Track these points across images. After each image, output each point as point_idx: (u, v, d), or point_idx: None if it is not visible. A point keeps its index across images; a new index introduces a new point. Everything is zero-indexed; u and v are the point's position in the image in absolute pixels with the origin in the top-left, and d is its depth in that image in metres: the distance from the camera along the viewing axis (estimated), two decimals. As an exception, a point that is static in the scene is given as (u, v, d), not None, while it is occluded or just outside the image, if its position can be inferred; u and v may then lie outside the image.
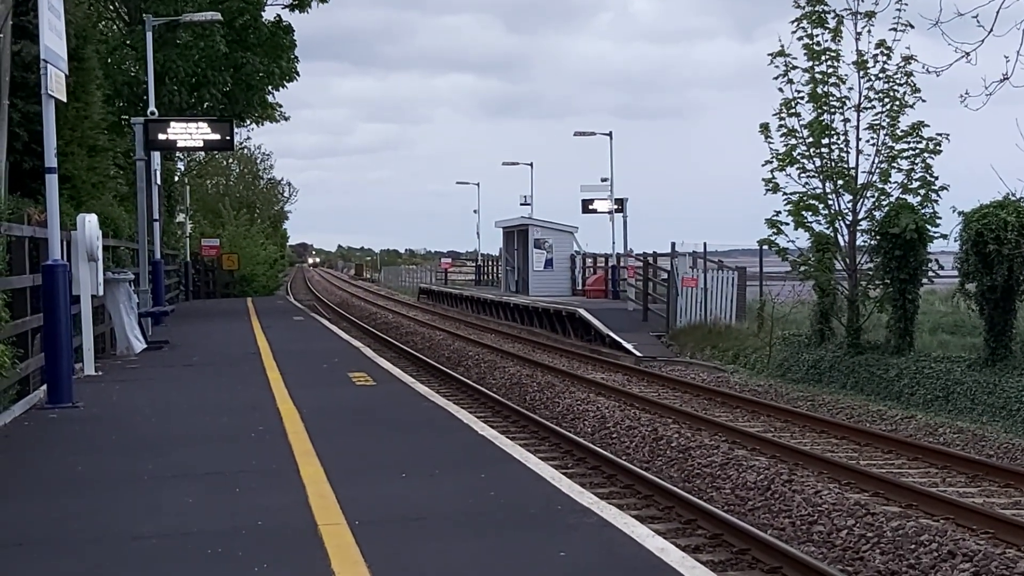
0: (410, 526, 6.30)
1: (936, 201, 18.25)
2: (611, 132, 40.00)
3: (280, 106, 40.79)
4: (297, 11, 35.07)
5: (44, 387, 11.61)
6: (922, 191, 18.34)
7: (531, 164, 55.31)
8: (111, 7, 34.53)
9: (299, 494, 7.04)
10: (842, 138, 19.03)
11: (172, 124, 21.63)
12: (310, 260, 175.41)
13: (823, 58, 18.95)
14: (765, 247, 21.18)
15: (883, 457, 12.78)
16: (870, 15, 18.43)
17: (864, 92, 18.80)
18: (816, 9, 18.89)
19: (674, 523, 9.69)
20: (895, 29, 18.36)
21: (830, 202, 19.17)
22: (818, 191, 19.20)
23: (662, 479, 11.34)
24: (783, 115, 19.44)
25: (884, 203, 18.62)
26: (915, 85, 18.44)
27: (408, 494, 7.12)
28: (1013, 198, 15.60)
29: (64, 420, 10.46)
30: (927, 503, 10.10)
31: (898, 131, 18.57)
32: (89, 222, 13.67)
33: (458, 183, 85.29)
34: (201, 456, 8.58)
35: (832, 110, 19.00)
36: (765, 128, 19.66)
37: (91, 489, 7.48)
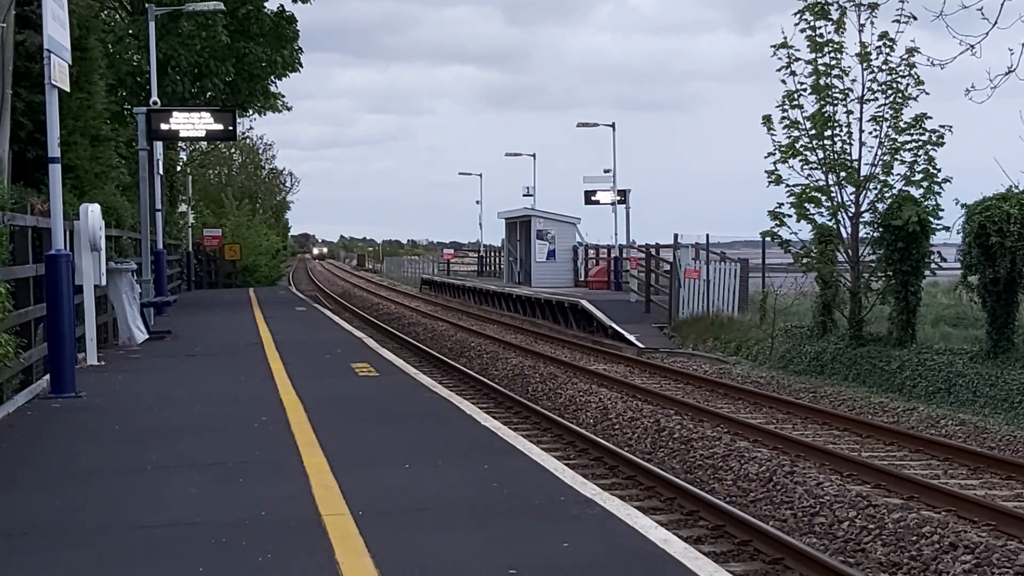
0: (414, 517, 6.32)
1: (939, 193, 18.24)
2: (614, 124, 39.99)
3: (282, 96, 40.92)
4: (300, 1, 35.09)
5: (47, 377, 11.63)
6: (925, 183, 18.32)
7: (533, 155, 55.04)
8: (114, -4, 34.51)
9: (303, 485, 7.06)
10: (845, 130, 19.02)
11: (175, 114, 21.59)
12: (315, 251, 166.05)
13: (826, 50, 18.91)
14: (768, 239, 21.18)
15: (885, 449, 12.79)
16: (873, 7, 18.38)
17: (867, 84, 18.79)
18: (819, 1, 18.86)
19: (676, 514, 9.70)
20: (898, 21, 18.37)
21: (833, 194, 19.17)
22: (821, 183, 19.20)
23: (664, 470, 11.35)
24: (786, 107, 19.43)
25: (887, 195, 18.61)
26: (918, 77, 18.43)
27: (411, 485, 7.13)
28: (1016, 190, 15.58)
29: (67, 410, 10.48)
30: (929, 495, 10.11)
31: (901, 123, 18.55)
32: (92, 212, 13.69)
33: (460, 174, 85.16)
34: (204, 446, 8.60)
35: (835, 102, 18.97)
36: (768, 120, 19.65)
37: (95, 479, 7.50)
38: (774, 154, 19.57)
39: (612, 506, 6.56)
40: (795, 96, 19.29)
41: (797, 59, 19.24)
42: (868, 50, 18.63)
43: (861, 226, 19.11)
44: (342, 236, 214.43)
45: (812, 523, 9.52)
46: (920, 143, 18.46)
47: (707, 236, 28.18)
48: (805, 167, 19.31)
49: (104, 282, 14.64)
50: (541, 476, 7.44)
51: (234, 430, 9.27)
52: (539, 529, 6.05)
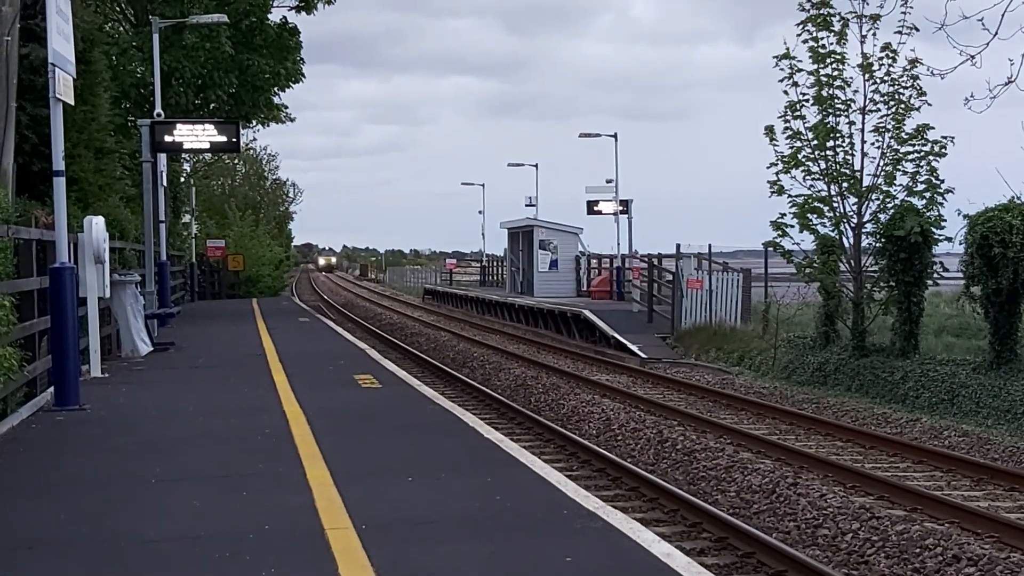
0: (417, 530, 6.33)
1: (941, 204, 18.26)
2: (616, 134, 40.02)
3: (286, 107, 40.86)
4: (304, 12, 35.18)
5: (51, 389, 11.64)
6: (927, 194, 18.34)
7: (536, 165, 55.04)
8: (117, 8, 34.64)
9: (306, 497, 7.07)
10: (847, 141, 19.04)
11: (178, 126, 21.66)
12: (320, 260, 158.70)
13: (828, 61, 18.95)
14: (770, 249, 21.19)
15: (888, 460, 12.79)
16: (875, 18, 18.43)
17: (869, 95, 18.82)
18: (821, 12, 18.91)
19: (679, 526, 9.71)
20: (900, 32, 18.39)
21: (835, 204, 19.18)
22: (823, 193, 19.21)
23: (667, 482, 11.36)
24: (788, 117, 19.45)
25: (889, 205, 18.63)
26: (920, 88, 18.45)
27: (414, 498, 7.14)
28: (1018, 201, 15.60)
29: (71, 422, 10.49)
30: (932, 507, 10.11)
31: (903, 134, 18.57)
32: (96, 224, 13.72)
33: (463, 184, 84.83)
34: (208, 459, 8.62)
35: (837, 113, 19.00)
36: (770, 131, 19.68)
37: (99, 492, 7.51)
38: (776, 164, 19.60)
39: (615, 519, 6.57)
40: (797, 107, 19.32)
41: (799, 70, 19.29)
42: (870, 61, 18.67)
43: (863, 236, 19.13)
44: (345, 246, 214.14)
45: (815, 535, 9.52)
46: (922, 154, 18.48)
47: (709, 246, 28.24)
48: (807, 177, 19.34)
49: (108, 294, 14.67)
50: (544, 489, 7.44)
51: (237, 442, 9.28)
52: (542, 543, 6.06)
